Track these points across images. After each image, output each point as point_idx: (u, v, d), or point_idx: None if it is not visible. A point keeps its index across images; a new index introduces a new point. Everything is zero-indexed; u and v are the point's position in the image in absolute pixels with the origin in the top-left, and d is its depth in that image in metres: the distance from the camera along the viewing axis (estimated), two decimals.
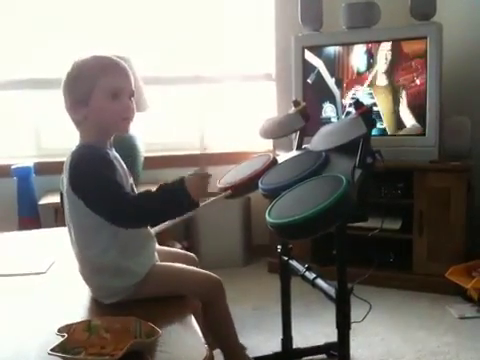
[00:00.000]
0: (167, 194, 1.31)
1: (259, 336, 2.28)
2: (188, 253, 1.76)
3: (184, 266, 1.54)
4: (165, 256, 1.57)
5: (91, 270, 1.41)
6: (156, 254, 1.52)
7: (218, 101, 3.41)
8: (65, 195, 1.40)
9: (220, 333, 1.54)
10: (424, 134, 2.74)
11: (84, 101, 1.37)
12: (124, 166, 1.45)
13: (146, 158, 2.85)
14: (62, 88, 1.41)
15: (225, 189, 1.78)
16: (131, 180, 1.46)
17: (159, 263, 1.51)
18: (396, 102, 2.81)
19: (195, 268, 1.57)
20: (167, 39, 3.26)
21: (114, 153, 1.45)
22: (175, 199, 1.31)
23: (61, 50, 3.07)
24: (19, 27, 3.09)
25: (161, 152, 3.25)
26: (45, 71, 3.10)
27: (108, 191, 1.29)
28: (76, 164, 1.34)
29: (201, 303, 1.52)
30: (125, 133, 1.46)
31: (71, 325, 1.12)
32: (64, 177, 1.39)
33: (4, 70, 3.13)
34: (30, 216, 2.88)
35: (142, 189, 1.36)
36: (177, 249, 2.15)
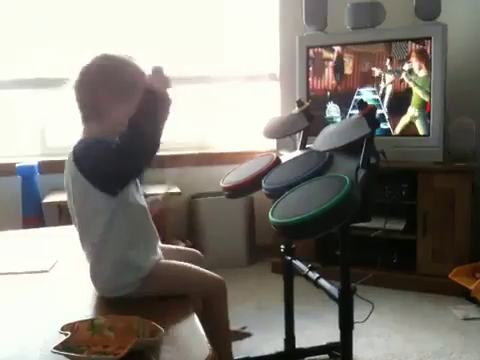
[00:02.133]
0: (142, 109, 1.30)
1: (262, 336, 2.28)
2: (193, 250, 1.76)
3: (188, 264, 1.54)
4: (170, 254, 1.58)
5: (99, 265, 1.41)
6: (160, 251, 1.52)
7: (222, 101, 3.41)
8: (70, 184, 1.40)
9: (215, 333, 1.54)
10: (429, 135, 2.73)
11: (127, 97, 1.38)
12: None
13: None
14: (85, 84, 1.39)
15: (228, 188, 1.79)
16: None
17: (163, 261, 1.51)
18: (400, 102, 2.81)
19: (199, 267, 1.57)
20: (171, 39, 3.26)
21: None
22: (150, 107, 1.30)
23: (66, 49, 3.07)
24: (23, 26, 3.10)
25: (165, 151, 3.25)
26: (50, 70, 3.10)
27: (103, 151, 1.29)
28: (80, 147, 1.37)
29: (202, 301, 1.53)
30: None
31: (74, 323, 1.12)
32: (69, 170, 1.39)
33: (9, 69, 3.13)
34: (34, 215, 2.88)
35: (145, 189, 1.36)
36: (182, 247, 2.15)
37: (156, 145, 1.32)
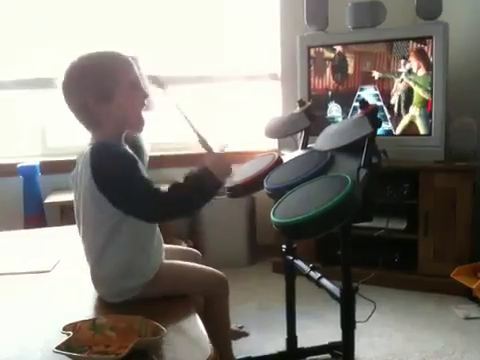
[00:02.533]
0: (194, 183, 1.34)
1: (264, 335, 2.28)
2: (193, 250, 1.77)
3: (190, 263, 1.54)
4: (171, 254, 1.58)
5: (103, 271, 1.40)
6: (163, 253, 1.52)
7: (223, 101, 3.41)
8: (82, 194, 1.38)
9: (216, 332, 1.54)
10: (430, 134, 2.73)
11: (107, 97, 1.36)
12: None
13: (151, 157, 2.85)
14: (70, 89, 1.37)
15: (230, 188, 1.78)
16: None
17: (166, 261, 1.51)
18: (402, 102, 2.80)
19: (201, 265, 1.57)
20: (172, 39, 3.27)
21: (129, 149, 1.45)
22: (203, 185, 1.34)
23: (67, 49, 3.07)
24: (24, 26, 3.10)
25: (166, 151, 3.26)
26: (51, 70, 3.10)
27: (140, 191, 1.30)
28: (101, 164, 1.32)
29: (204, 299, 1.53)
30: (139, 131, 1.47)
31: (76, 323, 1.12)
32: (83, 176, 1.36)
33: (9, 69, 3.14)
34: (36, 215, 2.89)
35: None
36: (183, 247, 2.15)
37: (190, 214, 1.37)
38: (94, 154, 1.33)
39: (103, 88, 1.35)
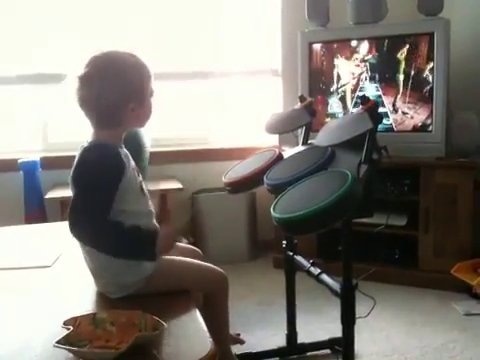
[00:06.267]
0: (139, 241, 1.33)
1: (264, 331, 2.28)
2: (194, 247, 1.77)
3: (190, 260, 1.54)
4: (172, 250, 1.58)
5: (101, 266, 1.40)
6: None
7: (224, 96, 3.41)
8: None
9: (215, 328, 1.54)
10: (431, 130, 2.73)
11: (141, 102, 1.38)
12: (133, 163, 1.45)
13: (152, 153, 2.86)
14: (102, 84, 1.32)
15: (230, 184, 1.78)
16: (140, 178, 1.46)
17: (165, 257, 1.51)
18: (403, 98, 2.80)
19: (201, 262, 1.57)
20: (172, 35, 3.26)
21: (125, 150, 1.44)
22: (142, 247, 1.34)
23: (68, 45, 3.07)
24: (26, 21, 3.09)
25: (167, 147, 3.26)
26: (52, 66, 3.10)
27: (95, 207, 1.28)
28: (84, 162, 1.34)
29: (203, 296, 1.53)
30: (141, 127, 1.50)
31: (77, 318, 1.12)
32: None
33: (11, 64, 3.13)
34: (36, 210, 2.89)
35: (149, 185, 1.35)
36: (183, 244, 2.15)
37: (108, 254, 1.34)
38: (85, 151, 1.36)
39: (140, 92, 1.38)
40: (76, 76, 1.35)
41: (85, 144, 1.38)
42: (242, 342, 1.98)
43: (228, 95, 3.42)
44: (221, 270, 1.55)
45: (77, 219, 1.29)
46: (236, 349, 1.75)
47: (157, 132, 3.16)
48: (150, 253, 1.33)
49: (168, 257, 1.51)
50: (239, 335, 2.01)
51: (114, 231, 1.30)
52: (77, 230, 1.31)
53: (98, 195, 1.29)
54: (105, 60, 1.36)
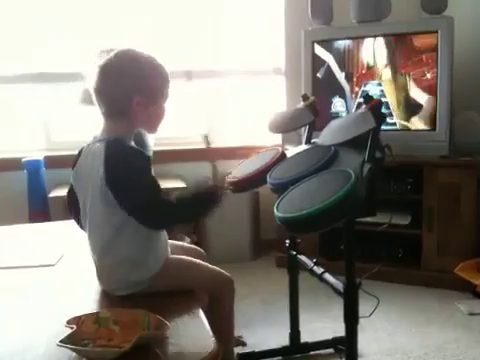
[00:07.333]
0: (200, 202, 1.43)
1: (267, 330, 2.28)
2: (197, 248, 1.77)
3: (196, 260, 1.54)
4: (175, 249, 1.58)
5: (110, 264, 1.40)
6: (169, 247, 1.52)
7: (227, 95, 3.40)
8: (90, 186, 1.38)
9: (219, 329, 1.54)
10: (434, 129, 2.72)
11: (153, 102, 1.41)
12: None
13: (155, 152, 2.86)
14: (120, 77, 1.37)
15: (233, 183, 1.78)
16: None
17: (172, 256, 1.51)
18: (406, 97, 2.80)
19: (208, 264, 1.57)
20: (175, 33, 3.26)
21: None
22: (205, 206, 1.44)
23: (72, 44, 3.08)
24: (29, 20, 3.09)
25: (170, 146, 3.26)
26: (56, 65, 3.11)
27: (146, 198, 1.33)
28: (116, 161, 1.34)
29: (209, 298, 1.53)
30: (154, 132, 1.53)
31: (80, 317, 1.12)
32: (93, 169, 1.36)
33: (14, 64, 3.14)
34: (40, 209, 2.89)
35: None
36: (187, 243, 2.15)
37: (183, 224, 1.42)
38: (109, 149, 1.34)
39: (154, 91, 1.41)
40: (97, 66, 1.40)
41: (98, 140, 1.39)
42: (244, 344, 1.99)
43: (231, 94, 3.41)
44: (227, 274, 1.56)
45: (148, 214, 1.34)
46: (239, 348, 1.75)
47: (160, 131, 3.16)
48: (215, 200, 1.44)
49: (176, 256, 1.52)
50: (241, 337, 2.02)
51: (178, 204, 1.38)
52: (156, 222, 1.37)
53: (143, 183, 1.33)
54: (126, 52, 1.41)
